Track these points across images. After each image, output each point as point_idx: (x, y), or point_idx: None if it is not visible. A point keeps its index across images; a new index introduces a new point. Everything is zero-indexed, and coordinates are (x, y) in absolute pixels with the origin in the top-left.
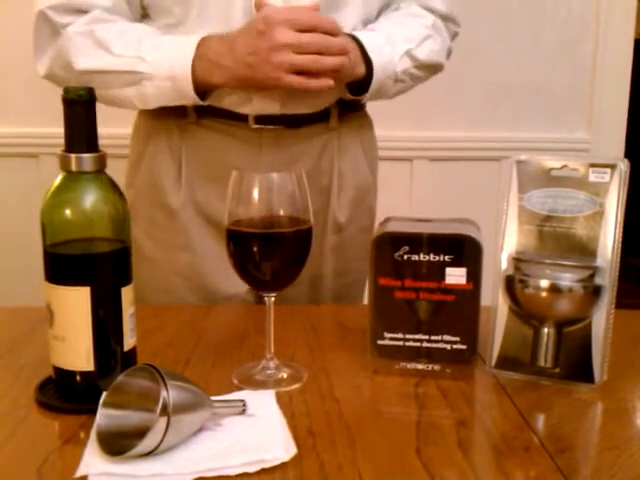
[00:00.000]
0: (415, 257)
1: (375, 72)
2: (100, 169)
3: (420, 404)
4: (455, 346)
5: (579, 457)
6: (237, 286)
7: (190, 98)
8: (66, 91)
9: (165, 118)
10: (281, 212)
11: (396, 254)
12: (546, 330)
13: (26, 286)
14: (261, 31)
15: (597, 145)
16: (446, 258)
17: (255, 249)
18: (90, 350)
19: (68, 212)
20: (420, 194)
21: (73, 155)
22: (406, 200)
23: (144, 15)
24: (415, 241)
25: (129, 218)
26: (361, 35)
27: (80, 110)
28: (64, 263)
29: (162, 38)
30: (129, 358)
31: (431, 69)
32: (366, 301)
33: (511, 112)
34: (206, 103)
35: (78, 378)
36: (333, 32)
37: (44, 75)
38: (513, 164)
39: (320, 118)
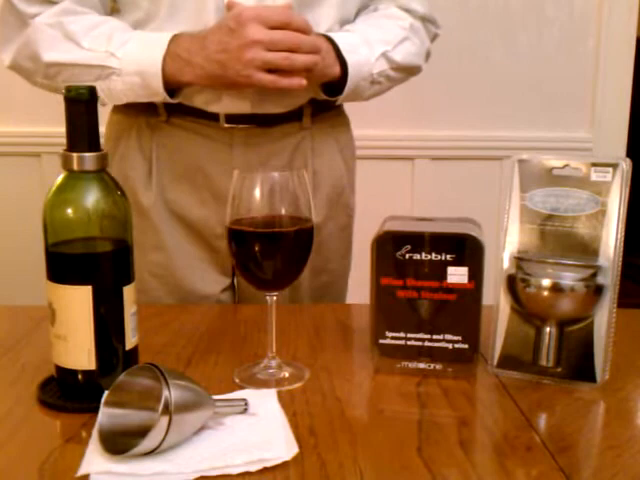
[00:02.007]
0: (417, 256)
1: (350, 73)
2: (101, 168)
3: (422, 403)
4: (457, 345)
5: (581, 456)
6: (211, 287)
7: (159, 95)
8: (68, 90)
9: (136, 117)
10: (283, 211)
11: (398, 253)
12: (548, 329)
13: (28, 285)
14: (232, 29)
15: (599, 144)
16: (448, 257)
17: (257, 248)
18: (92, 349)
19: (70, 211)
20: (422, 193)
21: (75, 154)
22: (408, 199)
23: (114, 9)
24: (417, 240)
25: (131, 217)
26: (336, 36)
27: (81, 109)
28: (66, 262)
29: (133, 34)
30: (131, 357)
31: (408, 71)
32: (348, 301)
33: (513, 111)
34: (176, 101)
35: (80, 377)
36: (305, 30)
37: (9, 65)
38: (515, 163)
39: (293, 117)
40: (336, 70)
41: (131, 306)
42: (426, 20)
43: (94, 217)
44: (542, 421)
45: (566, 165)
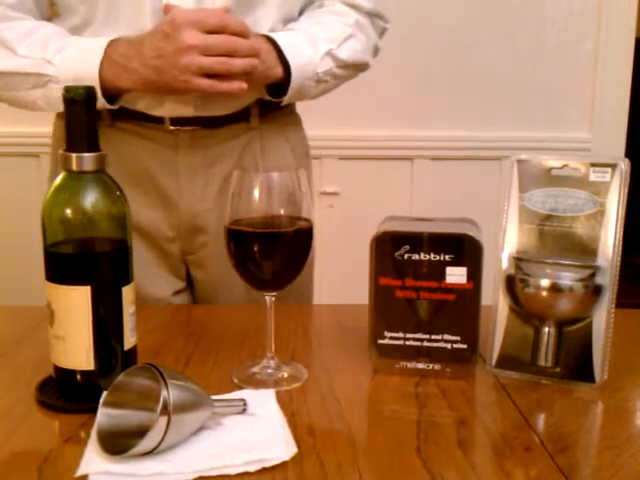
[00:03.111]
0: (416, 256)
1: (293, 73)
2: (100, 168)
3: (420, 403)
4: (455, 345)
5: (579, 456)
6: (162, 290)
7: (98, 102)
8: (67, 90)
9: None
10: (282, 211)
11: (397, 253)
12: (547, 329)
13: (27, 285)
14: (167, 33)
15: (598, 144)
16: (446, 257)
17: (256, 249)
18: (90, 349)
19: (68, 211)
20: (421, 193)
21: (74, 154)
22: (407, 199)
23: (55, 14)
24: (416, 240)
25: (129, 217)
26: (278, 36)
27: (81, 110)
28: (64, 262)
29: (70, 39)
30: (129, 357)
31: (355, 68)
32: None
33: (512, 111)
34: (116, 106)
35: (78, 377)
36: (242, 34)
37: None
38: (514, 163)
39: (240, 118)
40: (278, 71)
41: (130, 306)
42: (373, 15)
43: (93, 217)
44: (541, 421)
45: (565, 165)
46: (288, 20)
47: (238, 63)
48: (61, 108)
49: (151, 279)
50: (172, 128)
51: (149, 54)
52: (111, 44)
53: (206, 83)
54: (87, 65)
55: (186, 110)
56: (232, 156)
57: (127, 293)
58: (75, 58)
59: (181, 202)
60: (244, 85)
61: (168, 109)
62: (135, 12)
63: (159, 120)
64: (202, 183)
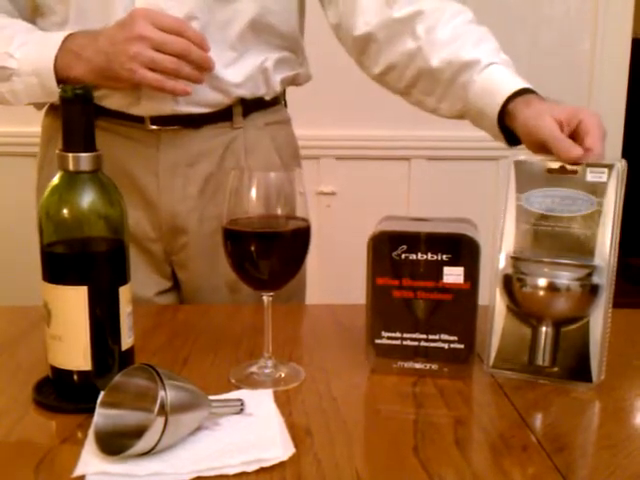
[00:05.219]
0: (413, 256)
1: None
2: (97, 168)
3: (418, 403)
4: (453, 345)
5: (577, 456)
6: (146, 289)
7: (56, 94)
8: (64, 90)
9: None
10: (279, 211)
11: (394, 253)
12: (544, 329)
13: (25, 285)
14: (123, 23)
15: None
16: (444, 257)
17: (253, 248)
18: (87, 349)
19: (65, 211)
20: (418, 193)
21: (70, 154)
22: (404, 199)
23: (40, 13)
24: (413, 240)
25: (126, 217)
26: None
27: (77, 110)
28: (61, 262)
29: (34, 35)
30: (127, 357)
31: None
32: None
33: None
34: None
35: (75, 377)
36: (199, 45)
37: None
38: (511, 164)
39: (222, 117)
40: None
41: (127, 306)
42: None
43: (90, 217)
44: (538, 421)
45: (562, 166)
46: (267, 12)
47: (187, 68)
48: (25, 101)
49: (136, 279)
50: (153, 128)
51: (103, 42)
52: (69, 36)
53: (152, 77)
54: (44, 57)
55: (164, 108)
56: (214, 156)
57: (124, 293)
58: (34, 50)
59: (160, 202)
60: (189, 89)
61: (144, 108)
62: (105, 10)
63: (139, 119)
64: (182, 183)
